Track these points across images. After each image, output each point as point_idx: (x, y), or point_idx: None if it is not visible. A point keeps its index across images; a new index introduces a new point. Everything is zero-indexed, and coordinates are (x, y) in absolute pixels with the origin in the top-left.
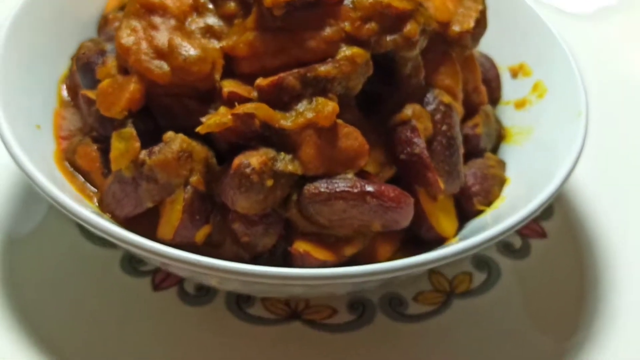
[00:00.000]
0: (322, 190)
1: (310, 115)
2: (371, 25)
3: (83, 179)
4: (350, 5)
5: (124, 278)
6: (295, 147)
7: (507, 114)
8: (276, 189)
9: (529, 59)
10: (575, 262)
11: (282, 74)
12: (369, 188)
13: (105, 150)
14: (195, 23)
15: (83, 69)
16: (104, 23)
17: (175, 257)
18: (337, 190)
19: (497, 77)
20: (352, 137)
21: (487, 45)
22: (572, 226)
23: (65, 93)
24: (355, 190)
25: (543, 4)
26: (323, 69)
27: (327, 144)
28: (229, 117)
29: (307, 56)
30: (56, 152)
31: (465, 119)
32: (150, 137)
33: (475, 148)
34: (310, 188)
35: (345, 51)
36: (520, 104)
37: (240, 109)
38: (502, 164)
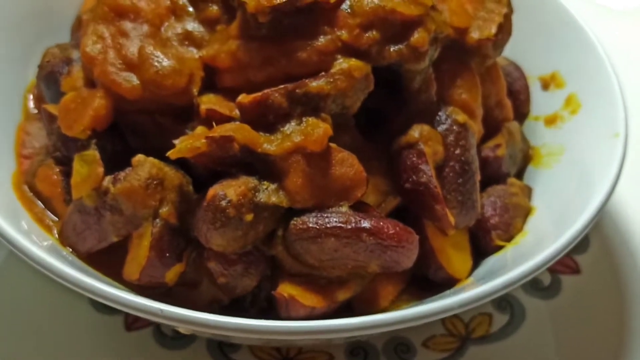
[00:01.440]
0: (311, 225)
1: (298, 138)
2: (372, 34)
3: (43, 206)
4: (348, 11)
5: (94, 315)
6: (281, 175)
7: (537, 131)
8: (258, 224)
9: (563, 67)
10: (614, 300)
11: (267, 90)
12: (365, 224)
13: (68, 174)
14: (173, 29)
15: (46, 80)
16: (77, 25)
17: (130, 305)
18: (328, 226)
19: (525, 89)
20: (347, 164)
21: (515, 51)
22: (610, 259)
23: (31, 104)
24: (349, 227)
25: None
26: (315, 84)
27: (318, 171)
28: (203, 140)
29: (298, 69)
30: (15, 175)
31: (485, 138)
32: (118, 160)
33: (495, 173)
34: (297, 223)
35: (342, 64)
36: (551, 120)
37: (217, 130)
38: (527, 191)
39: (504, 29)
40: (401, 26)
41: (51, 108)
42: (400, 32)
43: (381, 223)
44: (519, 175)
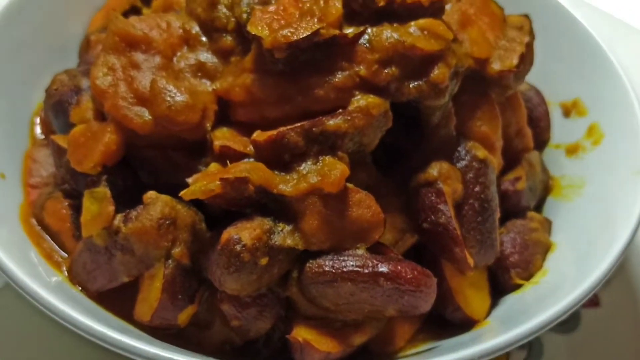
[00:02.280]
0: (327, 269)
1: (314, 179)
2: (391, 70)
3: (52, 241)
4: (367, 45)
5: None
6: (297, 216)
7: (557, 161)
8: (272, 267)
9: (585, 94)
10: (634, 335)
11: (282, 129)
12: (383, 268)
13: (77, 208)
14: (185, 59)
15: (55, 109)
16: (86, 46)
17: (141, 353)
18: (345, 270)
19: (546, 116)
20: (364, 205)
21: (535, 75)
22: (630, 292)
23: (39, 130)
24: (366, 271)
25: (610, 18)
26: (332, 122)
27: (335, 213)
28: (217, 182)
29: (314, 106)
30: (22, 207)
31: (505, 169)
32: (129, 195)
33: (515, 207)
34: (312, 266)
35: (360, 100)
36: (572, 150)
37: (231, 172)
38: (547, 225)
39: (526, 59)
40: (421, 61)
41: (60, 140)
42: (420, 67)
43: (399, 267)
44: (539, 206)
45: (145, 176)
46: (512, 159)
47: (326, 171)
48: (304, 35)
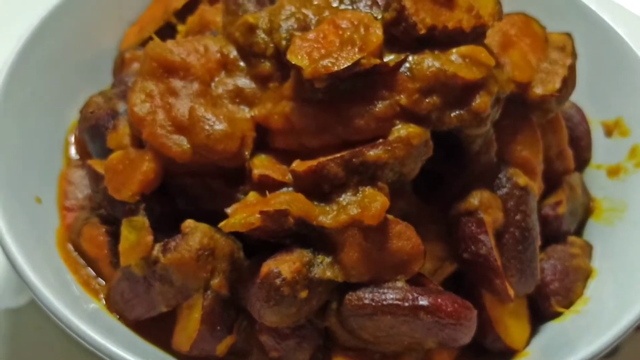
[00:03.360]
0: (367, 302)
1: (354, 211)
2: (432, 99)
3: (89, 267)
4: (407, 74)
5: None
6: (336, 247)
7: (598, 182)
8: (312, 299)
9: (628, 113)
10: None
11: (322, 159)
12: (423, 301)
13: (115, 234)
14: (223, 85)
15: (91, 133)
16: (120, 64)
17: None
18: (385, 303)
19: (587, 134)
20: (404, 237)
21: (576, 91)
22: None
23: (73, 150)
24: (407, 304)
25: None
26: (372, 153)
27: (374, 245)
28: (257, 215)
29: (354, 136)
30: (59, 232)
31: (545, 193)
32: (166, 222)
33: (556, 231)
34: (352, 298)
35: (400, 130)
36: (614, 171)
37: (271, 203)
38: (588, 250)
39: (568, 83)
40: (462, 89)
41: (97, 165)
42: (461, 95)
43: (439, 300)
44: (579, 229)
45: (183, 203)
46: (552, 181)
47: (366, 203)
48: (345, 65)
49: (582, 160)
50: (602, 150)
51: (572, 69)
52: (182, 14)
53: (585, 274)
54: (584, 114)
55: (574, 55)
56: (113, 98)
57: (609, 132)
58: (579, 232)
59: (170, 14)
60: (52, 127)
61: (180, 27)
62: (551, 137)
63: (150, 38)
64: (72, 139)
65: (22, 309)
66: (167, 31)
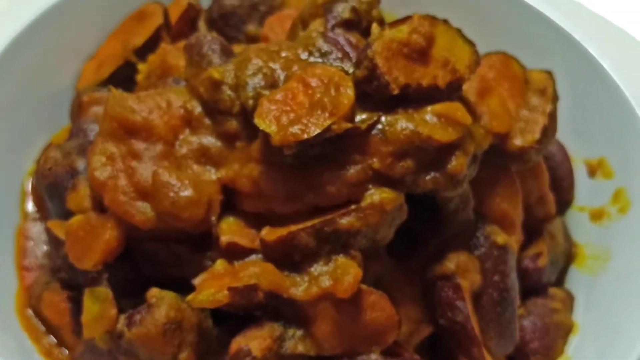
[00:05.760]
0: None
1: (326, 283)
2: (406, 163)
3: (50, 335)
4: (380, 136)
5: None
6: (308, 320)
7: (581, 225)
8: None
9: (611, 154)
10: None
11: (293, 228)
12: None
13: (77, 300)
14: (188, 144)
15: (49, 191)
16: (77, 107)
17: None
18: None
19: (569, 174)
20: (378, 308)
21: (560, 127)
22: None
23: (30, 203)
24: None
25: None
26: (344, 221)
27: (347, 318)
28: (225, 292)
29: (325, 203)
30: (18, 295)
31: (525, 243)
32: (131, 288)
33: (536, 284)
34: None
35: (373, 195)
36: (596, 215)
37: (240, 277)
38: (569, 301)
39: (549, 131)
40: (437, 151)
41: (57, 229)
42: (436, 157)
43: None
44: (561, 276)
45: (148, 269)
46: (532, 229)
47: (339, 275)
48: (315, 133)
49: (564, 202)
50: (586, 190)
51: (552, 116)
52: (143, 51)
53: (567, 330)
54: (566, 152)
55: (554, 99)
56: (72, 153)
57: (592, 172)
58: (560, 280)
59: (129, 52)
60: (6, 176)
61: (141, 66)
62: (531, 182)
63: (108, 81)
64: (29, 187)
65: None
66: (126, 70)
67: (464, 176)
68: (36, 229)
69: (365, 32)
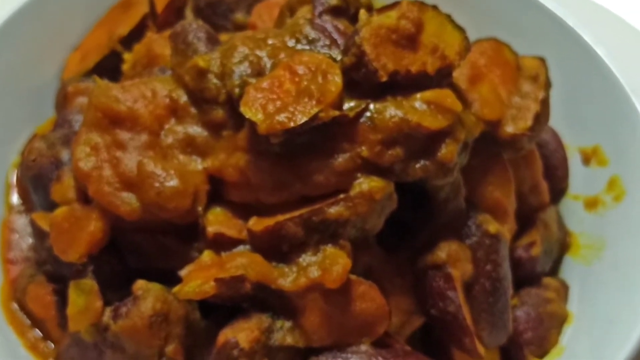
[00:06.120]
0: None
1: (315, 273)
2: (395, 151)
3: (36, 329)
4: (369, 124)
5: None
6: (297, 311)
7: (575, 214)
8: None
9: (606, 142)
10: None
11: (280, 218)
12: None
13: (62, 293)
14: (174, 134)
15: (33, 182)
16: (62, 98)
17: None
18: None
19: (563, 163)
20: (368, 298)
21: (553, 114)
22: None
23: (15, 197)
24: None
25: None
26: (333, 210)
27: (337, 308)
28: (212, 283)
29: (313, 192)
30: (3, 289)
31: (518, 233)
32: (116, 280)
33: (529, 274)
34: None
35: (362, 184)
36: (591, 204)
37: (227, 268)
38: (563, 291)
39: (541, 118)
40: (426, 139)
41: (41, 221)
42: (425, 145)
43: None
44: (555, 266)
45: (134, 261)
46: (526, 218)
47: (327, 265)
48: (302, 121)
49: (558, 191)
50: (580, 179)
51: (544, 103)
52: (128, 40)
53: (561, 320)
54: (560, 140)
55: (547, 86)
56: (56, 144)
57: (586, 160)
58: (554, 269)
59: (115, 42)
60: None
61: (127, 56)
62: (524, 170)
63: (94, 71)
64: (14, 179)
65: None
66: (112, 59)
67: (454, 164)
68: (21, 222)
69: (354, 19)
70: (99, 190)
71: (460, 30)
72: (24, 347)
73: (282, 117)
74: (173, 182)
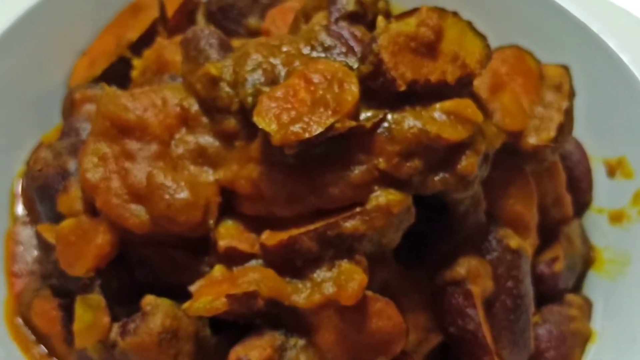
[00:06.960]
0: None
1: (330, 290)
2: (414, 163)
3: (41, 345)
4: (386, 134)
5: None
6: (311, 329)
7: (599, 228)
8: None
9: (632, 152)
10: None
11: (294, 232)
12: None
13: (68, 308)
14: (184, 144)
15: (39, 193)
16: (69, 105)
17: None
18: None
19: (587, 175)
20: (385, 316)
21: (577, 124)
22: None
23: (20, 208)
24: None
25: None
26: (349, 224)
27: (352, 326)
28: (224, 300)
29: (328, 205)
30: (7, 303)
31: (541, 247)
32: (124, 295)
33: (552, 290)
34: None
35: (379, 197)
36: (616, 217)
37: (239, 284)
38: (587, 308)
39: (565, 129)
40: (446, 150)
41: (47, 233)
42: (445, 157)
43: None
44: (579, 281)
45: (142, 275)
46: (548, 232)
47: (343, 281)
48: (317, 132)
49: (582, 204)
50: (604, 191)
51: (568, 113)
52: (138, 46)
53: (584, 338)
54: (584, 151)
55: (571, 95)
56: (63, 153)
57: (611, 172)
58: (577, 285)
59: (124, 47)
60: None
61: (136, 62)
62: (547, 183)
63: (102, 78)
64: (19, 189)
65: None
66: (120, 66)
67: (474, 177)
68: (26, 233)
69: (371, 25)
70: (107, 202)
71: (482, 37)
72: None
73: (296, 128)
74: (183, 194)
